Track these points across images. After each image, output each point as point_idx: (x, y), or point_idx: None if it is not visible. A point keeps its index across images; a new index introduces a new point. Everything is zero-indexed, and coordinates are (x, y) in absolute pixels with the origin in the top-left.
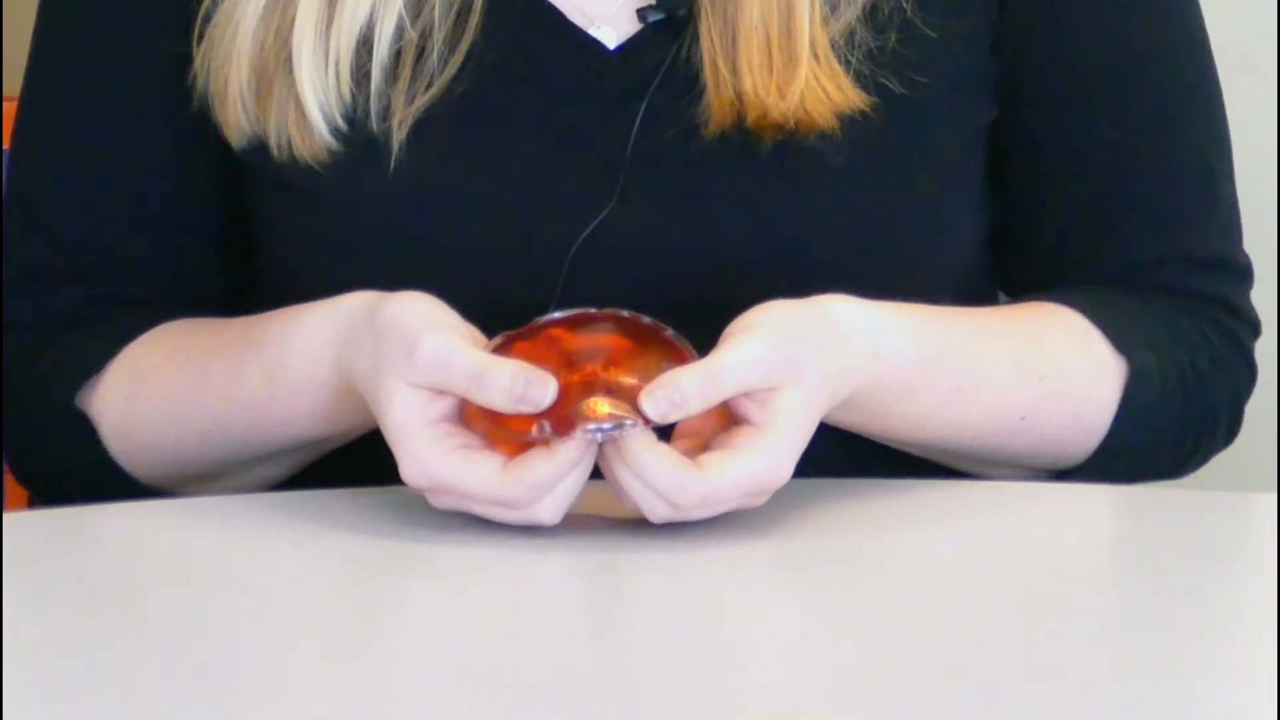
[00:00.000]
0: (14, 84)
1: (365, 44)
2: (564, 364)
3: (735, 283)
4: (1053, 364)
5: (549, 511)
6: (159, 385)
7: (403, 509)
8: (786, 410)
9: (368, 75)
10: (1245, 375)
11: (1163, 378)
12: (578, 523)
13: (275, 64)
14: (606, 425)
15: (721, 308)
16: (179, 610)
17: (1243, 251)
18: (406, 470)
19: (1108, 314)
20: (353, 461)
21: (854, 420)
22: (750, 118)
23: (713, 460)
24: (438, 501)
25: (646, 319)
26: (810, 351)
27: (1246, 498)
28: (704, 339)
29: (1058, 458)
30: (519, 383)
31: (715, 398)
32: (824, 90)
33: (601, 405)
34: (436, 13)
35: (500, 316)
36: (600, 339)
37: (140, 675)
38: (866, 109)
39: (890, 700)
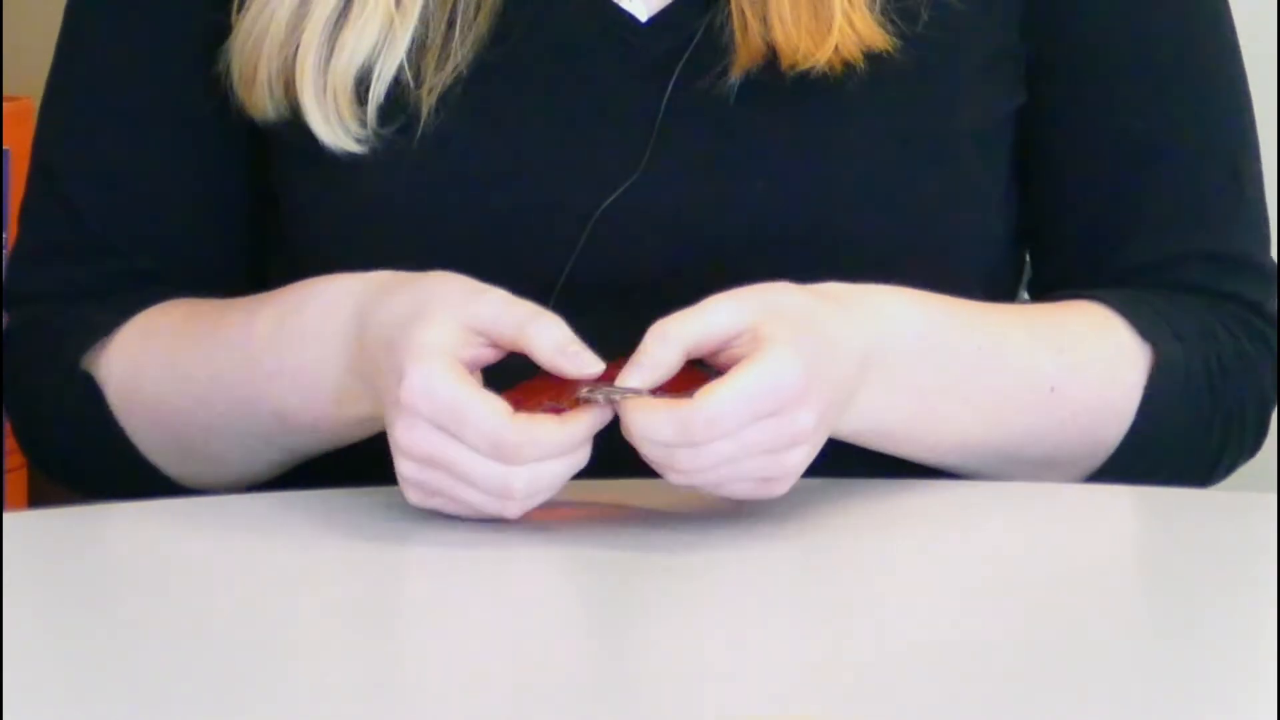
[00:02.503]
0: (14, 84)
1: (364, 80)
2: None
3: (759, 254)
4: (1074, 340)
5: (521, 493)
6: (169, 340)
7: (405, 509)
8: (772, 332)
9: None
10: (1272, 376)
11: (1188, 367)
12: (582, 524)
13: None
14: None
15: (744, 278)
16: (180, 610)
17: (1269, 255)
18: (410, 384)
19: (1131, 305)
20: (354, 461)
21: (898, 410)
22: (784, 65)
23: (705, 388)
24: (408, 433)
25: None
26: (792, 301)
27: (1246, 498)
28: None
29: (1088, 445)
30: (573, 344)
31: (681, 341)
32: (855, 29)
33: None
34: None
35: (523, 284)
36: (614, 366)
37: (141, 676)
38: (893, 50)
39: (892, 701)
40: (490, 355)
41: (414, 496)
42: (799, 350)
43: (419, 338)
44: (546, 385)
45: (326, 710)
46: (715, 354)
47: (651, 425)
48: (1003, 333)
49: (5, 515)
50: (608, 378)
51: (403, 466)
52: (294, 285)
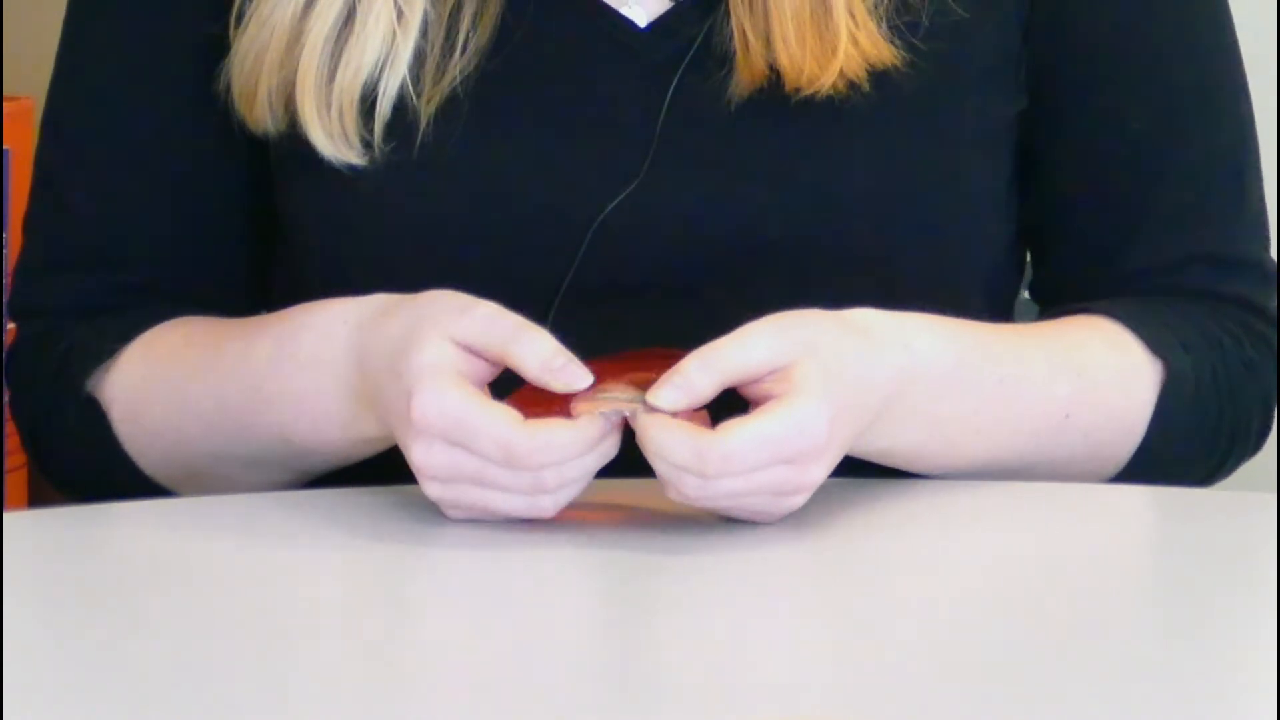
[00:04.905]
0: (14, 84)
1: (366, 95)
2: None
3: (759, 260)
4: (1088, 362)
5: (552, 485)
6: (172, 366)
7: (406, 508)
8: (806, 377)
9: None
10: (1273, 379)
11: (1196, 379)
12: (586, 524)
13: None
14: (623, 410)
15: (744, 286)
16: (180, 610)
17: (1269, 256)
18: (420, 404)
19: (1139, 317)
20: (364, 462)
21: (916, 439)
22: (788, 87)
23: (729, 423)
24: (426, 454)
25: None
26: (826, 335)
27: (1246, 497)
28: (726, 317)
29: (1099, 463)
30: (559, 357)
31: (720, 372)
32: (859, 48)
33: (619, 391)
34: None
35: (525, 291)
36: (639, 365)
37: (141, 676)
38: (899, 64)
39: (896, 702)
40: (489, 370)
41: (451, 513)
42: (827, 403)
43: (418, 359)
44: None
45: (328, 711)
46: (745, 385)
47: (668, 445)
48: (1025, 365)
49: (5, 515)
50: (604, 375)
51: (429, 488)
52: (289, 311)
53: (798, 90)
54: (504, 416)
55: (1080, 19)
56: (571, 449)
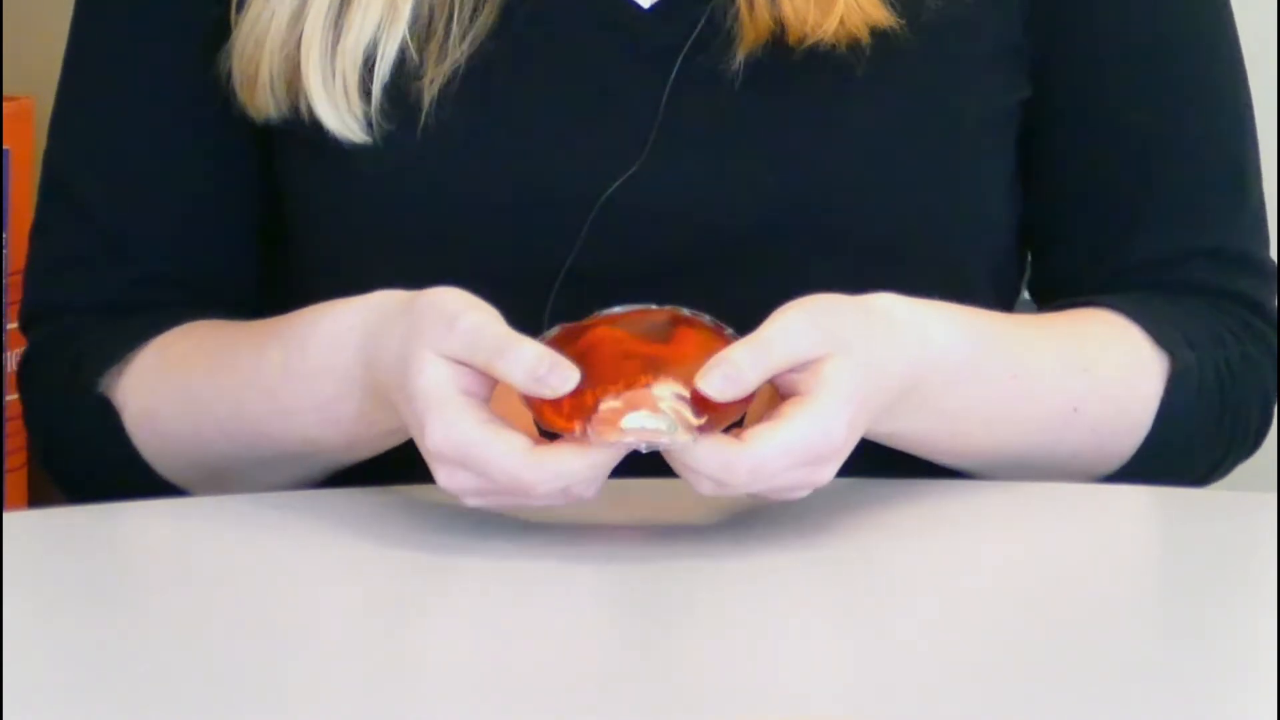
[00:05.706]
0: (14, 84)
1: (369, 62)
2: (634, 369)
3: (763, 241)
4: (1097, 356)
5: (577, 491)
6: (184, 372)
7: (417, 510)
8: (834, 376)
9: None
10: (1273, 377)
11: (1200, 375)
12: (593, 527)
13: (299, 64)
14: (648, 429)
15: (747, 268)
16: (181, 610)
17: (1269, 254)
18: (431, 434)
19: (1144, 312)
20: (367, 462)
21: (923, 427)
22: (792, 38)
23: (756, 431)
24: (450, 479)
25: (707, 318)
26: (855, 326)
27: (1246, 497)
28: (729, 299)
29: (1104, 456)
30: (543, 364)
31: (769, 367)
32: (860, 6)
33: (662, 397)
34: None
35: (527, 274)
36: (664, 348)
37: (142, 676)
38: (899, 28)
39: (899, 702)
40: (489, 379)
41: (502, 511)
42: (849, 404)
43: (418, 386)
44: (596, 372)
45: (333, 713)
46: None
47: (693, 456)
48: (1036, 358)
49: (5, 515)
50: (607, 342)
51: (468, 500)
52: (293, 317)
53: (802, 40)
54: (511, 447)
55: (1081, 12)
56: (581, 475)
